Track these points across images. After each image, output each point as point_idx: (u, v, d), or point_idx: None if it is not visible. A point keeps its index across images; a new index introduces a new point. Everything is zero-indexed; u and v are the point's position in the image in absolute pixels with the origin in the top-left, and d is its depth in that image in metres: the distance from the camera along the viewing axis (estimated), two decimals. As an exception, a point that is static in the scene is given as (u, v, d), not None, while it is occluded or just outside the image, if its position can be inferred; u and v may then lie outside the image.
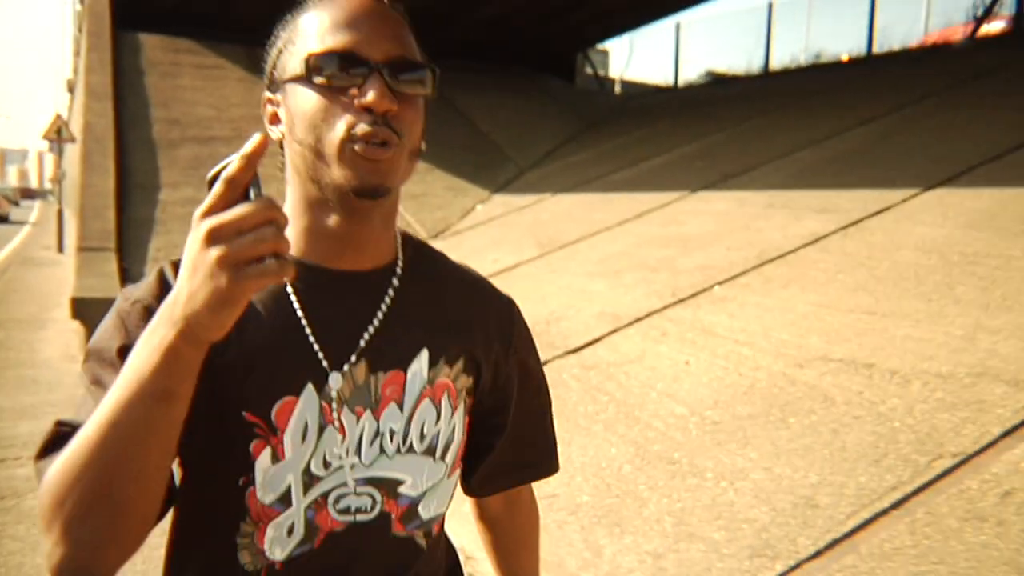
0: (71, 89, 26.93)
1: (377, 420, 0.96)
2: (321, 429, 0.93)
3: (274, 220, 0.70)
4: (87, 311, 6.89)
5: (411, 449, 0.98)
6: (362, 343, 0.95)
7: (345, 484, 0.95)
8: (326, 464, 0.94)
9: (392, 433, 0.97)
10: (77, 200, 10.09)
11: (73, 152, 15.10)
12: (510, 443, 1.14)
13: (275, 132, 0.97)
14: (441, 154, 12.51)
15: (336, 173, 0.89)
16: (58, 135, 15.34)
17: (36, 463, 0.84)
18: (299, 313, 0.94)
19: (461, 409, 1.03)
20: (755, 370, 4.25)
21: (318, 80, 0.89)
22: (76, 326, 7.31)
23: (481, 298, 1.09)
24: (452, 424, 1.02)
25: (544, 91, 17.08)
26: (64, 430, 0.84)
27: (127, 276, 8.11)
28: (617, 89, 26.18)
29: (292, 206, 0.97)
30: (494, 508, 1.24)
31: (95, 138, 10.77)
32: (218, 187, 0.70)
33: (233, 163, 0.71)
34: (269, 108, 0.98)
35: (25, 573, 3.21)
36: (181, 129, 11.74)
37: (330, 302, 0.96)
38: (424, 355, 0.98)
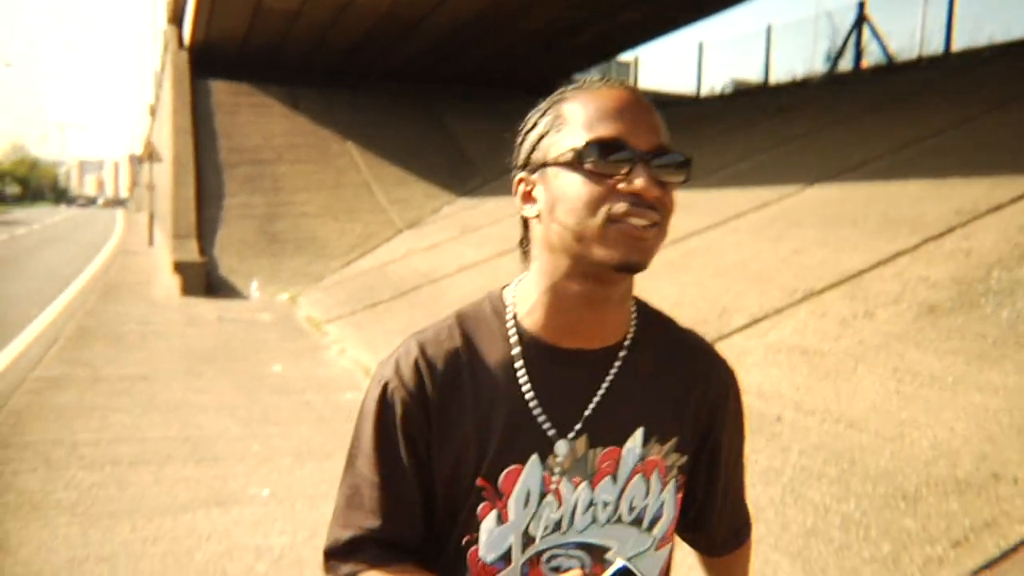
0: (152, 113, 33.26)
1: (592, 491, 1.10)
2: (542, 496, 1.08)
3: None
4: (183, 269, 12.51)
5: (619, 519, 1.12)
6: (584, 416, 1.09)
7: (559, 546, 1.10)
8: (544, 528, 1.09)
9: (605, 504, 1.11)
10: (170, 206, 15.66)
11: (161, 170, 20.82)
12: (729, 502, 1.29)
13: (529, 210, 1.11)
14: (427, 167, 17.74)
15: (599, 252, 1.02)
16: (150, 156, 21.10)
17: (335, 551, 1.12)
18: (527, 389, 1.09)
19: (672, 486, 1.15)
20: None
21: (587, 166, 1.01)
22: (175, 281, 12.75)
23: (705, 368, 1.21)
24: (661, 500, 1.14)
25: (525, 113, 22.16)
26: (363, 537, 1.11)
27: (204, 251, 13.67)
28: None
29: (535, 281, 1.12)
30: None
31: (181, 163, 16.38)
32: None
33: None
34: (523, 187, 1.11)
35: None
36: (239, 154, 17.30)
37: (557, 379, 1.10)
38: (639, 433, 1.11)
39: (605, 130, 1.02)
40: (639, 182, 1.00)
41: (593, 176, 1.01)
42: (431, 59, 21.07)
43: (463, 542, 1.09)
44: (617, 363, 1.11)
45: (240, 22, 19.29)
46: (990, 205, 6.62)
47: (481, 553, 1.08)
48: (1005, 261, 5.53)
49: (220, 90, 19.30)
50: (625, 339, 1.13)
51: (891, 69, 16.16)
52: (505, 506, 1.07)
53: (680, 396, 1.16)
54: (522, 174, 1.11)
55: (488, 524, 1.08)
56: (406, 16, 18.24)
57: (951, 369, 4.45)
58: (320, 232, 15.17)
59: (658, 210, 1.02)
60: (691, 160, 1.06)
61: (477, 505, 1.08)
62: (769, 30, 18.81)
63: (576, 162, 1.02)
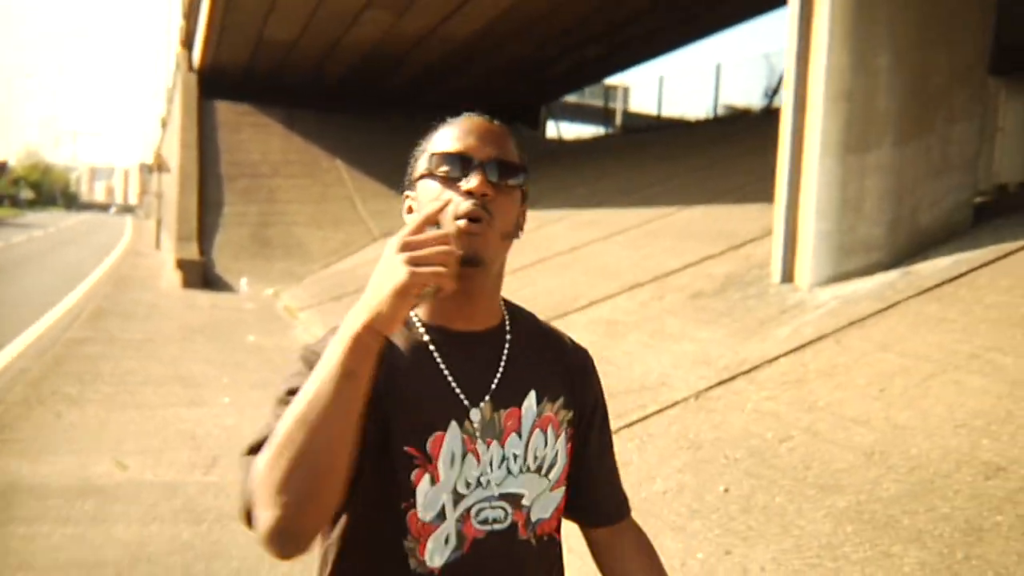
0: (164, 126, 35.92)
1: (503, 447, 1.30)
2: (464, 456, 1.27)
3: (449, 243, 1.09)
4: (184, 266, 14.97)
5: (527, 469, 1.32)
6: (492, 386, 1.30)
7: (483, 500, 1.29)
8: (467, 484, 1.27)
9: (515, 457, 1.31)
10: (175, 212, 18.11)
11: (168, 179, 23.31)
12: (600, 476, 1.48)
13: (408, 220, 1.29)
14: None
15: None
16: (159, 167, 23.61)
17: (242, 457, 1.17)
18: (440, 364, 1.29)
19: (563, 437, 1.37)
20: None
21: (439, 173, 1.25)
22: (177, 276, 15.15)
23: (563, 348, 1.46)
24: (555, 449, 1.36)
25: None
26: (262, 440, 1.14)
27: (203, 251, 16.09)
28: (618, 122, 33.36)
29: None
30: (604, 540, 1.50)
31: (186, 174, 18.85)
32: (416, 220, 1.13)
33: (428, 207, 1.20)
34: (407, 203, 1.34)
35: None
36: (239, 168, 19.78)
37: (460, 356, 1.30)
38: (532, 394, 1.34)
39: (454, 145, 1.26)
40: (472, 181, 1.22)
41: (444, 181, 1.25)
42: (418, 87, 23.59)
43: (403, 507, 1.25)
44: (507, 340, 1.35)
45: (244, 50, 21.85)
46: (787, 224, 8.92)
47: (420, 514, 1.25)
48: (765, 261, 7.85)
49: (224, 110, 21.83)
50: (504, 322, 1.37)
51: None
52: (436, 468, 1.25)
53: (555, 364, 1.41)
54: (406, 193, 1.35)
55: (423, 487, 1.25)
56: (390, 52, 20.81)
57: (683, 330, 6.78)
58: (306, 239, 17.59)
59: (488, 209, 1.22)
60: (522, 167, 1.29)
61: (410, 472, 1.24)
62: (718, 68, 21.22)
63: (428, 172, 1.27)
